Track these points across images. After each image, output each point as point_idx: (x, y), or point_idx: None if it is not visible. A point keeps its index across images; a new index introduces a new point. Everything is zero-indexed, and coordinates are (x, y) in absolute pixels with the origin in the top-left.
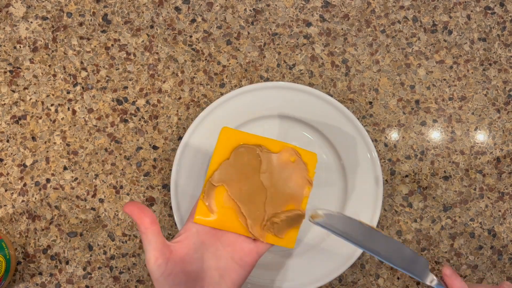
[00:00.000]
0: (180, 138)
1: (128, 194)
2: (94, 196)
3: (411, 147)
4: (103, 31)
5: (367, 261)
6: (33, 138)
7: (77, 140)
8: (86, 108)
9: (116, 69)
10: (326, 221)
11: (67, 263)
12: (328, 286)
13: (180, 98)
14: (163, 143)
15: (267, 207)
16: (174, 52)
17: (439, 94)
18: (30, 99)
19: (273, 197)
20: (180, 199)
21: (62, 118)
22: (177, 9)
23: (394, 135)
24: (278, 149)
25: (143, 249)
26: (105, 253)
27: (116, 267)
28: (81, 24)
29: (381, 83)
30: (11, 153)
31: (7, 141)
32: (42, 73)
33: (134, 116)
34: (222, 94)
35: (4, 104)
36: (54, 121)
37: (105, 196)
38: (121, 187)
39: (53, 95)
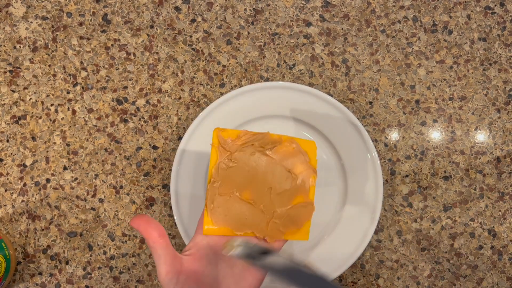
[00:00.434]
0: (180, 138)
1: (128, 194)
2: (94, 196)
3: (411, 147)
4: (103, 31)
5: (367, 261)
6: (33, 138)
7: (77, 140)
8: (86, 108)
9: (116, 69)
10: (242, 252)
11: (67, 263)
12: None
13: (180, 98)
14: (163, 143)
15: (275, 204)
16: (174, 52)
17: (439, 94)
18: (30, 99)
19: (279, 193)
20: (180, 199)
21: (62, 118)
22: (177, 9)
23: (394, 135)
24: (275, 142)
25: (143, 249)
26: (105, 253)
27: (116, 267)
28: (81, 24)
29: (381, 83)
30: (11, 153)
31: (7, 141)
32: (42, 73)
33: (134, 116)
34: (222, 94)
35: (4, 104)
36: (54, 121)
37: (105, 196)
38: (121, 187)
39: (53, 95)
